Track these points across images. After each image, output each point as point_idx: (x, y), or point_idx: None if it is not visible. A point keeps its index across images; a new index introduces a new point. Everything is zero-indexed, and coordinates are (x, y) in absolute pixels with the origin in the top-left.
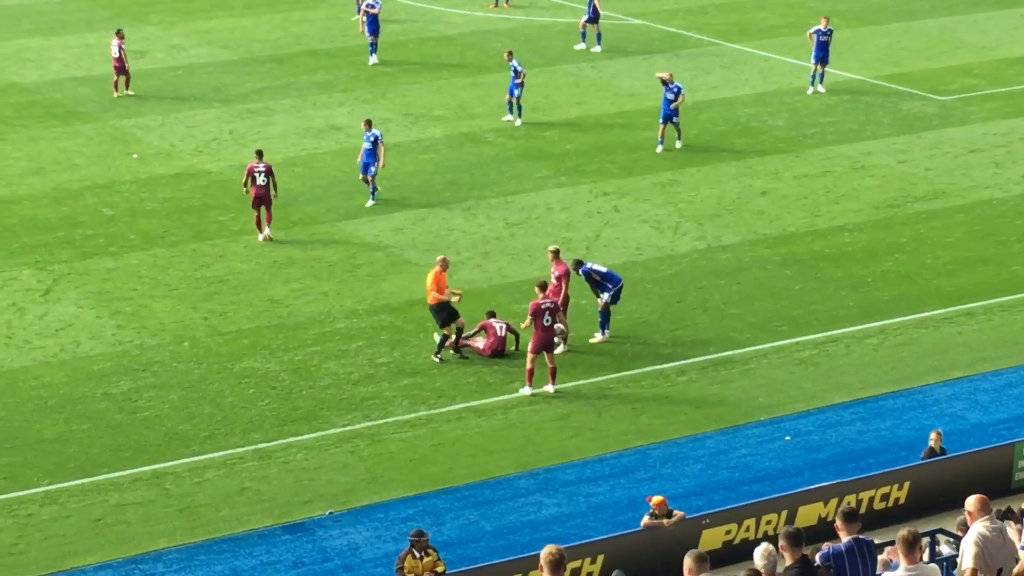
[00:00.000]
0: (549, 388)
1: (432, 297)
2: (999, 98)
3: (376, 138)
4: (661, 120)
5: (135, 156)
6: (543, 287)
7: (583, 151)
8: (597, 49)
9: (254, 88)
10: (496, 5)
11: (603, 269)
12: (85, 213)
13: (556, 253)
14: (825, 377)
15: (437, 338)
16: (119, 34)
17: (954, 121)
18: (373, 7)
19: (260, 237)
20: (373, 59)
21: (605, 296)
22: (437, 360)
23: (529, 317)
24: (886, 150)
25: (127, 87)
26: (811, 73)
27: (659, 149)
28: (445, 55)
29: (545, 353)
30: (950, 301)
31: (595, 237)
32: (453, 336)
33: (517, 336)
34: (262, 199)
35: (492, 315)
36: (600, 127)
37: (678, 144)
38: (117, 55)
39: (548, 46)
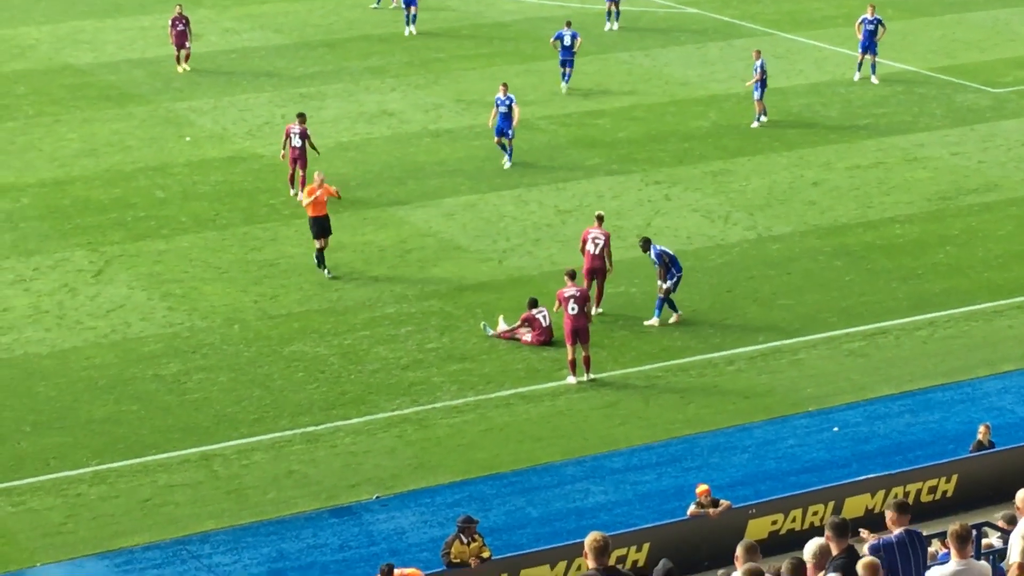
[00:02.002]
0: (585, 376)
1: (310, 209)
2: None
3: (511, 101)
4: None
5: (188, 139)
6: (572, 275)
7: (635, 139)
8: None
9: (306, 72)
10: None
11: (672, 252)
12: (137, 195)
13: (601, 218)
14: (874, 369)
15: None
16: (180, 10)
17: (1008, 114)
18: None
19: (292, 192)
20: (409, 29)
21: (669, 282)
22: (326, 275)
23: (556, 304)
24: (939, 142)
25: (187, 61)
26: (858, 62)
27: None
28: (499, 42)
29: (579, 342)
30: (1001, 294)
31: (646, 225)
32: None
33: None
34: (296, 160)
35: (534, 304)
36: (652, 116)
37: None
38: (181, 29)
39: (601, 34)
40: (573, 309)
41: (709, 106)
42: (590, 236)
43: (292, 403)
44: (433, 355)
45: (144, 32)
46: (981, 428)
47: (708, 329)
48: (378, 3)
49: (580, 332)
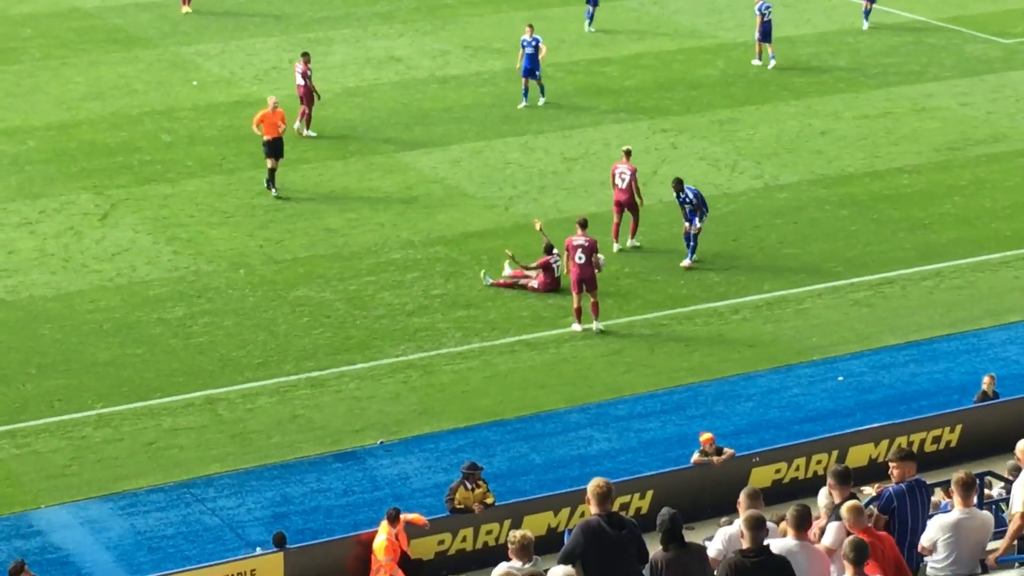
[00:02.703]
0: (594, 325)
1: (264, 131)
2: None
3: (538, 42)
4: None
5: (195, 83)
6: (583, 224)
7: (642, 87)
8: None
9: (314, 17)
10: None
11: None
12: (144, 139)
13: (628, 153)
14: (879, 319)
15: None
16: None
17: (1017, 64)
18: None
19: (296, 126)
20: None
21: (698, 222)
22: (273, 194)
23: (564, 254)
24: (947, 92)
25: (189, 3)
26: (863, 9)
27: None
28: None
29: (586, 290)
30: (1008, 245)
31: (652, 174)
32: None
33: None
34: (301, 98)
35: (550, 250)
36: (660, 64)
37: None
38: None
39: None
40: (580, 259)
41: (717, 55)
42: (617, 171)
43: (297, 348)
44: (438, 301)
45: None
46: (985, 379)
47: (714, 278)
48: None
49: (587, 281)
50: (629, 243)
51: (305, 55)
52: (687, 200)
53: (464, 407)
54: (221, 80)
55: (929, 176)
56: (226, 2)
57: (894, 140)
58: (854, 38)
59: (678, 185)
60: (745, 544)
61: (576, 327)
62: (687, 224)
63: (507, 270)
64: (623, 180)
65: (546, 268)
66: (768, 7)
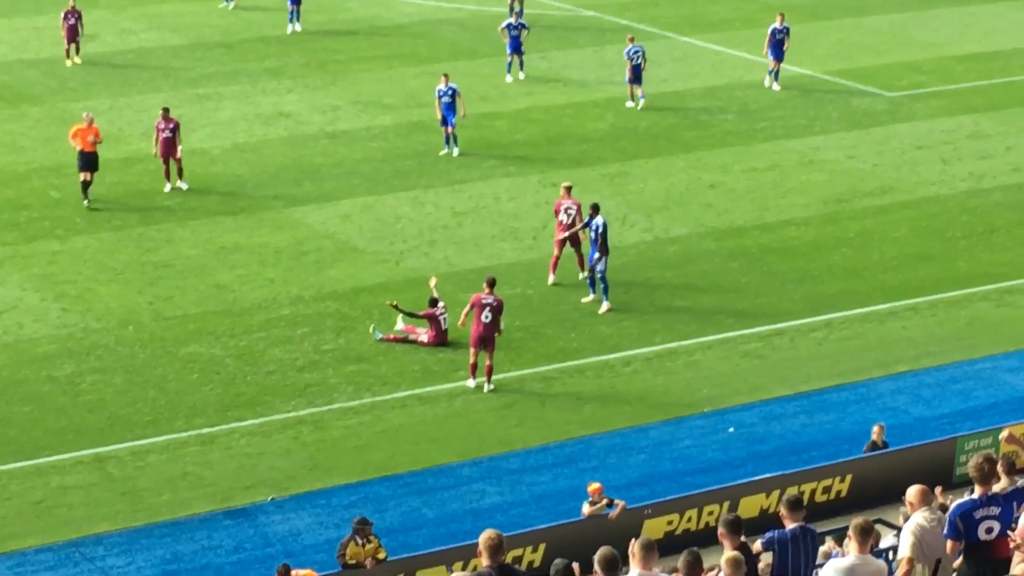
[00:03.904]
0: (485, 387)
1: (78, 144)
2: (946, 95)
3: (454, 91)
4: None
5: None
6: (491, 283)
7: (532, 141)
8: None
9: (203, 73)
10: None
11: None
12: (31, 196)
13: (569, 189)
14: (770, 370)
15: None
16: (73, 4)
17: (902, 117)
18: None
19: (167, 188)
20: (293, 27)
21: (600, 261)
22: (85, 204)
23: (467, 307)
24: (835, 145)
25: (77, 55)
26: (770, 69)
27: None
28: (396, 44)
29: (483, 349)
30: (895, 296)
31: (542, 227)
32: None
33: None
34: (167, 155)
35: (435, 303)
36: (549, 118)
37: None
38: (72, 23)
39: (497, 36)
40: (487, 317)
41: (607, 108)
42: (563, 206)
43: (187, 404)
44: (329, 356)
45: (38, 32)
46: (875, 428)
47: (604, 330)
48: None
49: (487, 341)
50: (582, 276)
51: (165, 110)
52: (596, 228)
53: (356, 462)
54: (110, 136)
55: (817, 228)
56: (114, 57)
57: (782, 193)
58: (742, 92)
59: (594, 210)
60: None
61: (470, 383)
62: (592, 258)
63: (399, 324)
64: (569, 215)
65: (433, 320)
66: (637, 51)
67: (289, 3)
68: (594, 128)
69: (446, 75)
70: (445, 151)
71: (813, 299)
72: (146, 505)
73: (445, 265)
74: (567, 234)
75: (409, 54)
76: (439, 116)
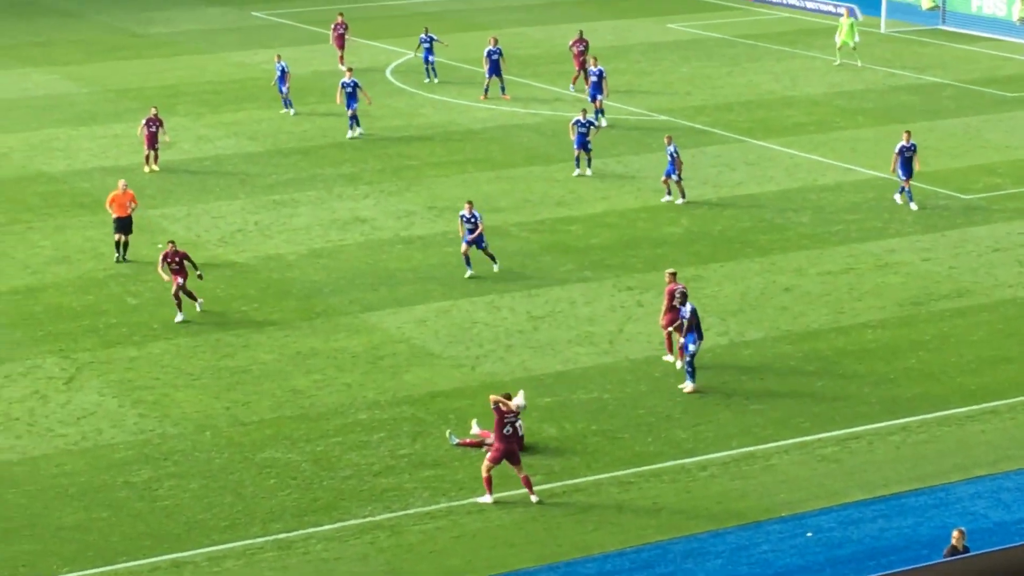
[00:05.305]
0: (532, 498)
1: (114, 210)
2: (1023, 197)
3: (476, 218)
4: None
5: (160, 246)
6: (509, 399)
7: (607, 245)
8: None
9: (280, 179)
10: (485, 96)
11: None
12: (109, 302)
13: (674, 275)
14: (847, 474)
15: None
16: (155, 112)
17: (978, 220)
18: (347, 86)
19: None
20: (352, 133)
21: (692, 345)
22: (115, 260)
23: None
24: (910, 248)
25: (156, 162)
26: (900, 187)
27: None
28: (471, 149)
29: (511, 465)
30: (973, 399)
31: (618, 331)
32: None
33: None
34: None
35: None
36: (624, 222)
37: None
38: (153, 131)
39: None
40: (508, 431)
41: (681, 213)
42: (677, 290)
43: (264, 510)
44: (405, 461)
45: (117, 140)
46: (955, 533)
47: (681, 434)
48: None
49: (512, 455)
50: (679, 365)
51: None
52: (684, 316)
53: (433, 567)
54: (187, 242)
55: (893, 331)
56: (192, 165)
57: (858, 295)
58: (816, 195)
59: (683, 298)
60: None
61: (486, 499)
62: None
63: (475, 429)
64: (678, 299)
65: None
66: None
67: (347, 108)
68: (669, 232)
69: (470, 202)
70: (469, 273)
71: (890, 402)
72: None
73: (521, 370)
74: (675, 325)
75: (483, 159)
76: (462, 236)
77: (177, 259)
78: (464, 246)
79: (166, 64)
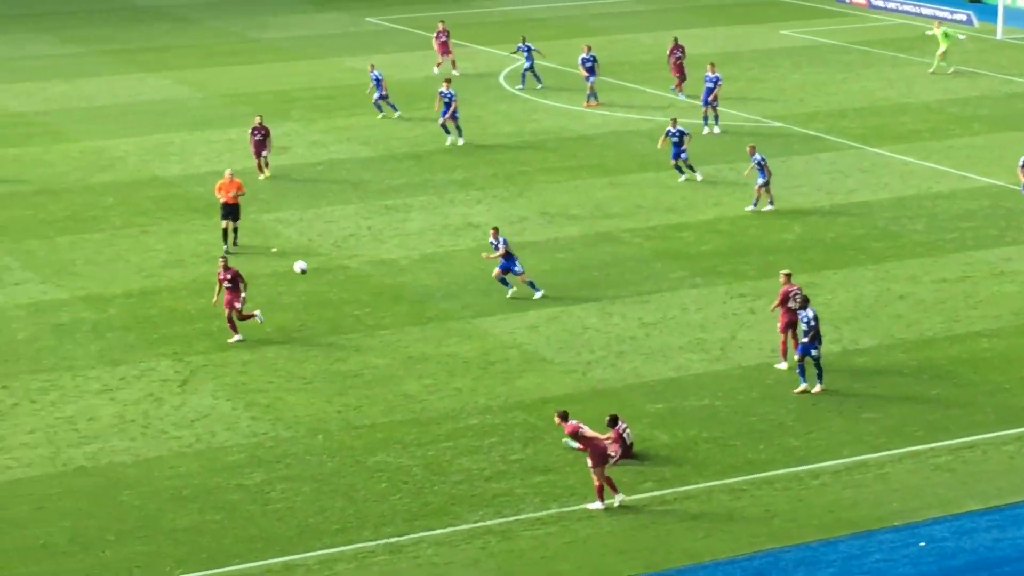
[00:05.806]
0: (617, 499)
1: (222, 197)
2: None
3: (502, 243)
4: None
5: (274, 250)
6: (564, 417)
7: (719, 252)
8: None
9: (392, 185)
10: (588, 103)
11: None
12: (223, 305)
13: (788, 276)
14: (961, 483)
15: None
16: (260, 120)
17: None
18: (447, 96)
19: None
20: (450, 139)
21: (814, 351)
22: (224, 249)
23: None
24: None
25: (267, 168)
26: None
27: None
28: (583, 155)
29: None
30: None
31: (730, 338)
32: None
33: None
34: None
35: (614, 422)
36: (736, 229)
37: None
38: (259, 139)
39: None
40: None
41: (794, 219)
42: (791, 292)
43: (375, 514)
44: (517, 466)
45: (231, 144)
46: None
47: (793, 442)
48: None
49: (605, 457)
50: (784, 365)
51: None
52: (807, 320)
53: (543, 573)
54: (300, 247)
55: (1009, 340)
56: (305, 170)
57: (973, 304)
58: (931, 202)
59: (804, 303)
60: None
61: (597, 505)
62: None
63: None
64: (796, 301)
65: (617, 438)
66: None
67: (441, 116)
68: (781, 239)
69: (495, 229)
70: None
71: (1005, 411)
72: None
73: (633, 376)
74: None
75: (596, 165)
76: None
77: (229, 277)
78: (497, 271)
79: (279, 69)
